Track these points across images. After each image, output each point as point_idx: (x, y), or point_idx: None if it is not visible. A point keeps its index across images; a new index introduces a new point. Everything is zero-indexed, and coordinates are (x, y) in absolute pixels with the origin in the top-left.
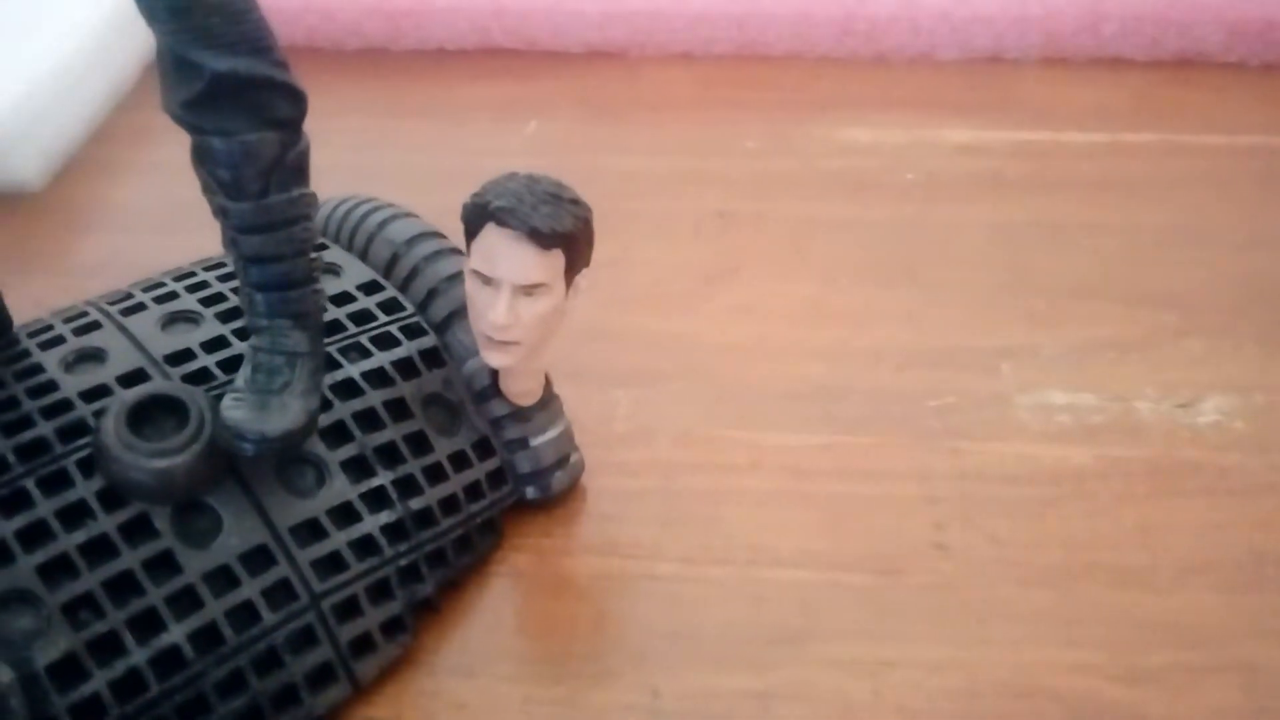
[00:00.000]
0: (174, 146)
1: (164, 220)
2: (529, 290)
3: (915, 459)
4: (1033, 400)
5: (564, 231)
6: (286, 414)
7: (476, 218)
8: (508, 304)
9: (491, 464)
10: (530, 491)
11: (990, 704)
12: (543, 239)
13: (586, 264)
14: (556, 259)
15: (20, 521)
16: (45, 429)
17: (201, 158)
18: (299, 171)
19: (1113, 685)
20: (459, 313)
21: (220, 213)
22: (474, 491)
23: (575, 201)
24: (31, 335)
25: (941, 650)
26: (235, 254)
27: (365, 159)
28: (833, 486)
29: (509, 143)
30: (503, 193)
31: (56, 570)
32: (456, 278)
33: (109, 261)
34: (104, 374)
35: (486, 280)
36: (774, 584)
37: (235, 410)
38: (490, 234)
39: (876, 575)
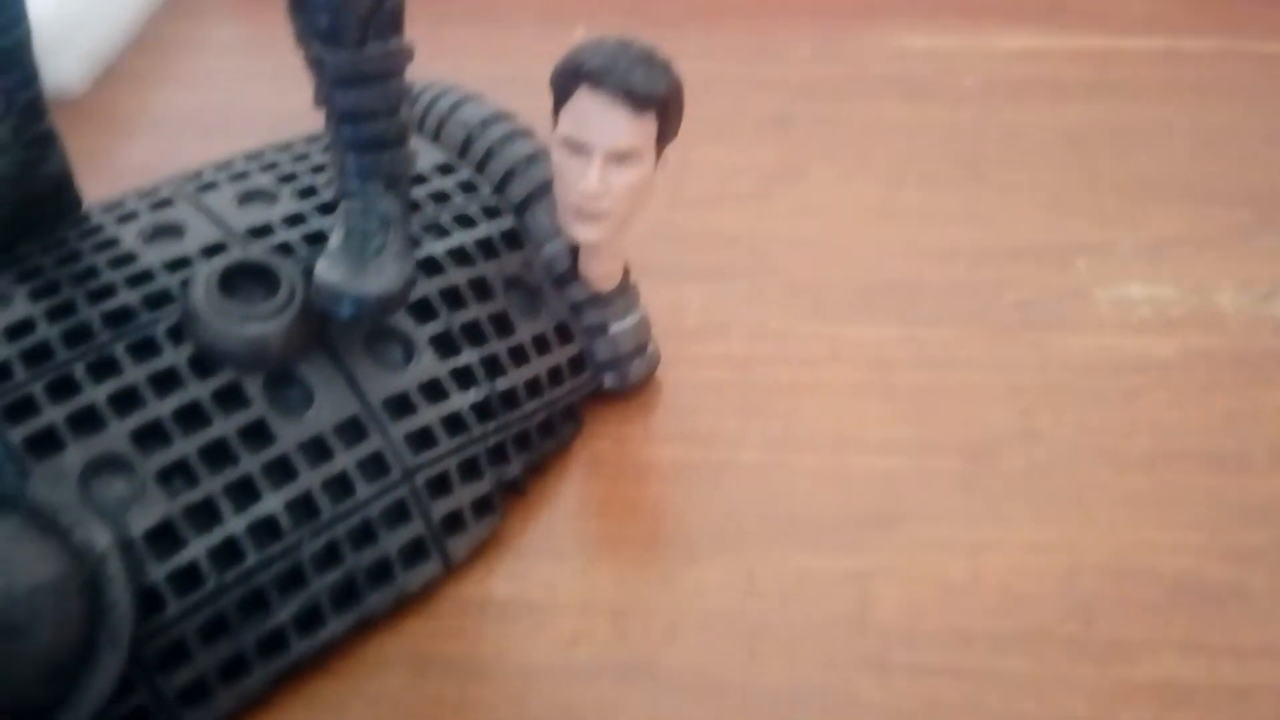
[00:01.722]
0: (214, 56)
1: (208, 126)
2: (621, 157)
3: (996, 350)
4: (1111, 294)
5: (659, 94)
6: (384, 276)
7: (568, 80)
8: (599, 171)
9: (571, 350)
10: (609, 379)
11: (1093, 583)
12: (638, 101)
13: (675, 134)
14: (649, 124)
15: (111, 387)
16: (130, 297)
17: (299, 2)
18: (396, 20)
19: (1214, 564)
20: (537, 194)
21: (316, 64)
22: (555, 376)
23: (668, 66)
24: (106, 210)
25: (1039, 532)
26: (329, 111)
27: (414, 67)
28: (915, 377)
29: (557, 48)
30: (597, 53)
31: (149, 437)
32: (534, 159)
33: (153, 165)
34: (185, 246)
35: (576, 148)
36: (862, 470)
37: (331, 272)
38: (583, 97)
39: (967, 461)
